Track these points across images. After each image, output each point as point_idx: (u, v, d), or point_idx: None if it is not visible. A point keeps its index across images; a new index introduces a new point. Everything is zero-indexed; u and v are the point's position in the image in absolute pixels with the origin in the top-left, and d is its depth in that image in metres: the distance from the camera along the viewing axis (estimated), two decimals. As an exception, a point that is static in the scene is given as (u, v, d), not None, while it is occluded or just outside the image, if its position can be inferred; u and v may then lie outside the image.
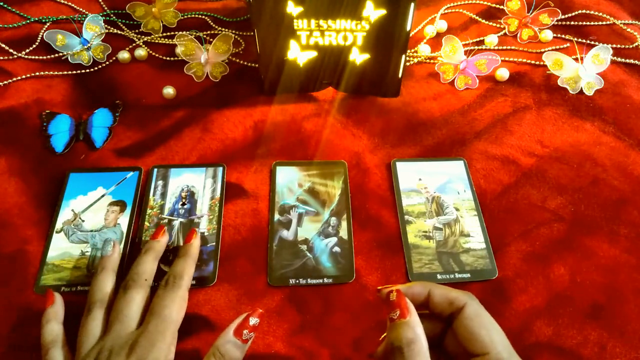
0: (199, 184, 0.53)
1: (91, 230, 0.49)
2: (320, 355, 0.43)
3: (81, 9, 0.70)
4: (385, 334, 0.36)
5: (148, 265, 0.43)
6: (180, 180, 0.53)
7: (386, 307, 0.34)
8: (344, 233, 0.49)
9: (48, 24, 0.68)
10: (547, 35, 0.68)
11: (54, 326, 0.40)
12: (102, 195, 0.52)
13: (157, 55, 0.65)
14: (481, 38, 0.69)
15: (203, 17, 0.70)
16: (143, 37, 0.67)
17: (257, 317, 0.38)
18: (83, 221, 0.50)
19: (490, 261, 0.48)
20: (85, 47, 0.64)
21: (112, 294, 0.42)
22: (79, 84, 0.62)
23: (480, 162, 0.56)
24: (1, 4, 0.69)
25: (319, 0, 0.50)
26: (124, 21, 0.69)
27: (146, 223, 0.50)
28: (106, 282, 0.42)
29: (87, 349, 0.38)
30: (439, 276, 0.47)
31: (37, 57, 0.64)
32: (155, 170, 0.54)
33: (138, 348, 0.37)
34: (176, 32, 0.64)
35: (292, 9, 0.51)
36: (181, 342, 0.43)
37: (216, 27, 0.69)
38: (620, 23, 0.70)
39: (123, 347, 0.37)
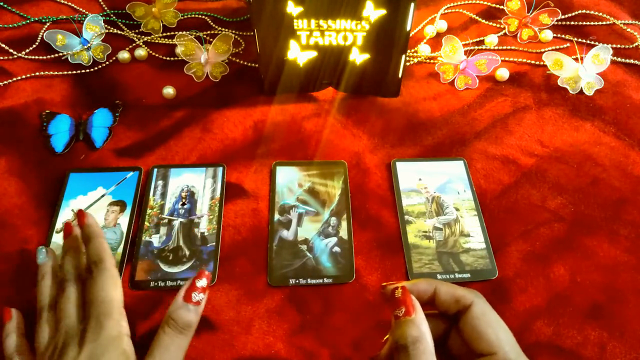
0: (199, 184, 0.53)
1: (91, 230, 0.49)
2: (320, 355, 0.43)
3: (81, 9, 0.70)
4: (387, 336, 0.36)
5: (73, 261, 0.43)
6: (180, 180, 0.53)
7: (390, 304, 0.33)
8: (344, 233, 0.49)
9: (48, 24, 0.68)
10: (547, 35, 0.68)
11: (13, 339, 0.41)
12: (102, 195, 0.52)
13: (157, 55, 0.65)
14: (481, 38, 0.69)
15: (203, 17, 0.70)
16: (143, 37, 0.67)
17: (204, 277, 0.38)
18: (83, 221, 0.50)
19: (490, 261, 0.48)
20: (85, 47, 0.64)
21: (54, 296, 0.42)
22: (79, 84, 0.62)
23: (480, 162, 0.56)
24: (1, 4, 0.69)
25: (319, 0, 0.50)
26: (124, 21, 0.69)
27: (146, 223, 0.50)
28: (47, 287, 0.42)
29: (42, 350, 0.39)
30: (439, 276, 0.47)
31: (37, 57, 0.64)
32: (155, 170, 0.54)
33: (88, 334, 0.37)
34: (176, 32, 0.64)
35: (292, 9, 0.51)
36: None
37: (216, 27, 0.69)
38: (620, 23, 0.70)
39: (73, 337, 0.37)
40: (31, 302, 0.45)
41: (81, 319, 0.39)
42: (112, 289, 0.40)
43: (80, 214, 0.44)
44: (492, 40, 0.68)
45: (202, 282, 0.38)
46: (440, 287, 0.35)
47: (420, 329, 0.31)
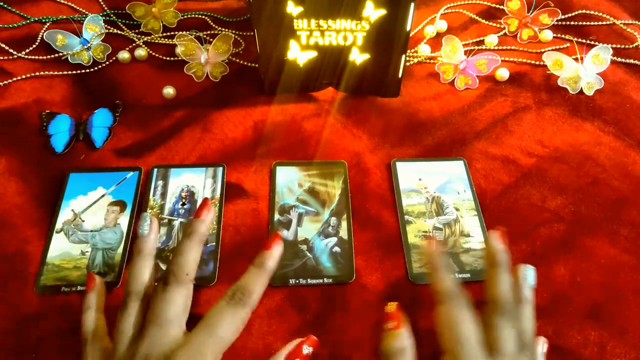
0: (199, 184, 0.53)
1: (91, 230, 0.49)
2: (320, 355, 0.43)
3: (81, 9, 0.70)
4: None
5: (191, 254, 0.37)
6: (180, 180, 0.53)
7: (384, 317, 0.37)
8: (344, 233, 0.49)
9: (48, 24, 0.68)
10: (547, 35, 0.68)
11: (92, 316, 0.38)
12: (102, 195, 0.52)
13: (157, 55, 0.65)
14: (481, 38, 0.69)
15: (203, 17, 0.70)
16: (143, 37, 0.67)
17: (310, 345, 0.37)
18: (83, 221, 0.50)
19: (490, 261, 0.48)
20: (85, 47, 0.64)
21: (150, 284, 0.37)
22: (79, 84, 0.62)
23: (480, 162, 0.56)
24: (1, 4, 0.69)
25: (319, 0, 0.50)
26: (124, 21, 0.69)
27: (146, 223, 0.50)
28: (143, 270, 0.37)
29: (122, 350, 0.34)
30: (439, 276, 0.47)
31: (37, 57, 0.64)
32: (155, 170, 0.54)
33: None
34: (176, 32, 0.64)
35: (292, 9, 0.51)
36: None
37: (216, 27, 0.69)
38: (620, 23, 0.70)
39: (158, 358, 0.33)
40: (31, 303, 0.45)
41: (175, 333, 0.35)
42: (234, 330, 0.35)
43: (275, 236, 0.38)
44: (492, 40, 0.68)
45: (308, 350, 0.37)
46: (434, 272, 0.38)
47: (404, 342, 0.35)
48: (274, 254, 0.37)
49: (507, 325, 0.35)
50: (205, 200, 0.40)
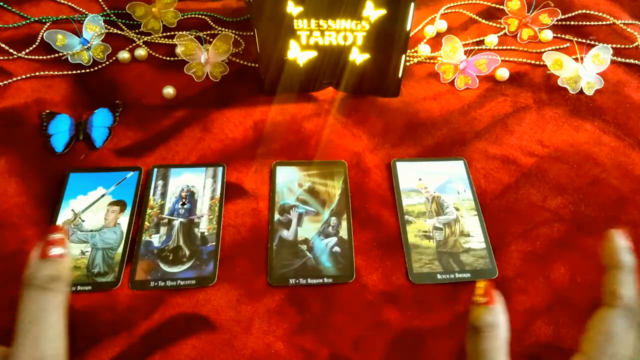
0: (199, 184, 0.53)
1: (91, 230, 0.49)
2: (320, 355, 0.43)
3: (81, 9, 0.70)
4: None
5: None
6: (180, 180, 0.53)
7: (474, 293, 0.34)
8: (344, 233, 0.49)
9: (48, 24, 0.68)
10: (547, 35, 0.68)
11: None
12: (102, 195, 0.52)
13: (157, 55, 0.65)
14: (481, 38, 0.69)
15: (203, 17, 0.70)
16: (143, 37, 0.67)
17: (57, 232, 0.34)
18: (83, 221, 0.50)
19: (491, 261, 0.48)
20: (85, 47, 0.64)
21: None
22: (79, 84, 0.62)
23: (480, 162, 0.56)
24: (1, 4, 0.69)
25: (319, 0, 0.50)
26: (124, 21, 0.69)
27: (146, 223, 0.50)
28: None
29: None
30: (439, 276, 0.47)
31: (37, 57, 0.64)
32: (155, 170, 0.54)
33: None
34: (176, 32, 0.64)
35: (292, 8, 0.51)
36: (181, 342, 0.43)
37: (216, 27, 0.69)
38: (620, 23, 0.70)
39: None
40: (31, 302, 0.45)
41: None
42: None
43: None
44: (492, 40, 0.68)
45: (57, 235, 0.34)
46: (615, 270, 0.34)
47: (497, 317, 0.32)
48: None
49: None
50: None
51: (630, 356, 0.31)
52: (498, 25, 0.71)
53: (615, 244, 0.35)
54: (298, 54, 0.56)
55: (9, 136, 0.56)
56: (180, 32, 0.63)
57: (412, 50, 0.67)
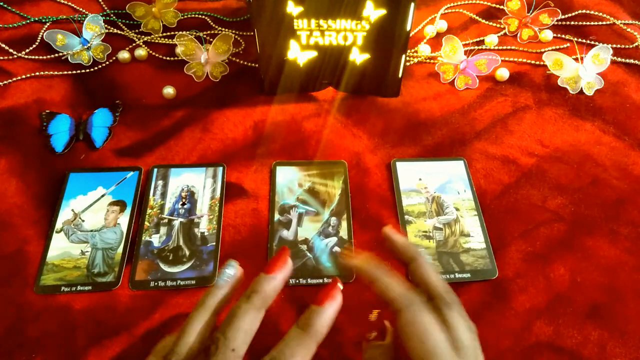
0: (199, 183, 0.53)
1: (91, 230, 0.49)
2: (320, 355, 0.43)
3: (81, 9, 0.70)
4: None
5: (245, 324, 0.30)
6: (180, 180, 0.53)
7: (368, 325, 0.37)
8: (344, 233, 0.49)
9: (48, 24, 0.68)
10: (547, 35, 0.68)
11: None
12: (102, 195, 0.52)
13: (157, 55, 0.65)
14: (481, 38, 0.69)
15: (203, 17, 0.70)
16: (143, 37, 0.67)
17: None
18: (83, 221, 0.50)
19: (490, 261, 0.48)
20: (85, 47, 0.64)
21: (197, 350, 0.29)
22: (79, 84, 0.62)
23: (480, 162, 0.56)
24: (1, 4, 0.69)
25: (319, 0, 0.50)
26: (124, 21, 0.69)
27: (146, 223, 0.50)
28: (197, 332, 0.30)
29: None
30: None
31: (37, 57, 0.64)
32: (155, 170, 0.54)
33: None
34: (176, 32, 0.64)
35: (292, 8, 0.51)
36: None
37: (216, 27, 0.69)
38: (620, 23, 0.70)
39: None
40: (31, 303, 0.45)
41: None
42: None
43: (333, 285, 0.32)
44: (492, 40, 0.68)
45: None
46: (376, 283, 0.34)
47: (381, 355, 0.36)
48: (328, 313, 0.31)
49: (458, 317, 0.32)
50: (283, 252, 0.33)
51: (444, 335, 0.31)
52: (498, 25, 0.71)
53: (354, 265, 0.36)
54: (298, 54, 0.56)
55: (9, 136, 0.56)
56: (180, 32, 0.63)
57: (412, 50, 0.67)
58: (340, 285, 0.32)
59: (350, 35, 0.53)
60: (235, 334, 0.29)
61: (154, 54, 0.65)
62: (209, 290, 0.31)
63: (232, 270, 0.32)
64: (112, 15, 0.69)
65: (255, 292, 0.30)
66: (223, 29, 0.69)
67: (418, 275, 0.35)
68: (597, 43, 0.66)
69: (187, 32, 0.64)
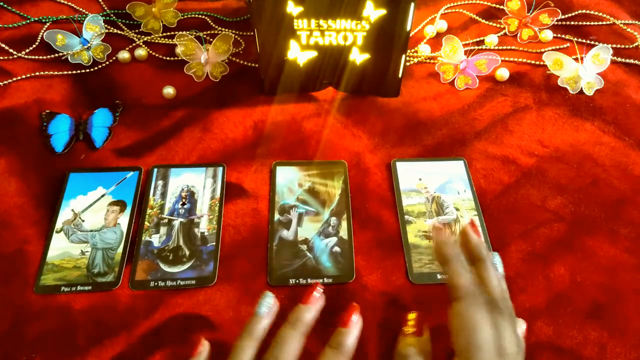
0: (199, 183, 0.53)
1: (91, 230, 0.49)
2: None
3: (81, 9, 0.70)
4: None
5: (291, 346, 0.34)
6: (180, 180, 0.53)
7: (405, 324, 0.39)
8: (344, 233, 0.49)
9: (48, 24, 0.68)
10: (547, 35, 0.68)
11: None
12: (102, 195, 0.52)
13: (157, 55, 0.65)
14: (481, 38, 0.69)
15: (203, 17, 0.70)
16: (143, 37, 0.67)
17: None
18: (83, 221, 0.50)
19: (490, 261, 0.48)
20: (85, 47, 0.64)
21: None
22: (79, 84, 0.62)
23: (480, 162, 0.56)
24: (1, 4, 0.69)
25: (318, 0, 0.50)
26: (124, 21, 0.69)
27: (146, 223, 0.50)
28: (246, 357, 0.34)
29: None
30: (439, 276, 0.47)
31: (37, 57, 0.64)
32: (155, 170, 0.54)
33: None
34: (176, 32, 0.64)
35: (292, 8, 0.51)
36: (182, 341, 0.43)
37: (216, 27, 0.69)
38: (620, 23, 0.70)
39: None
40: (31, 303, 0.45)
41: None
42: None
43: (352, 309, 0.37)
44: (492, 40, 0.68)
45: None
46: (449, 265, 0.36)
47: (419, 350, 0.36)
48: (352, 333, 0.35)
49: (508, 327, 0.34)
50: (314, 286, 0.37)
51: (493, 337, 0.33)
52: (498, 25, 0.71)
53: (437, 240, 0.38)
54: (298, 54, 0.56)
55: (9, 136, 0.56)
56: (180, 32, 0.63)
57: (412, 50, 0.67)
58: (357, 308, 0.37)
59: (350, 35, 0.53)
60: (285, 356, 0.33)
61: (154, 54, 0.65)
62: (253, 319, 0.35)
63: (272, 300, 0.36)
64: (112, 15, 0.69)
65: (299, 320, 0.35)
66: (223, 29, 0.69)
67: (480, 276, 0.37)
68: (597, 43, 0.66)
69: (187, 32, 0.64)
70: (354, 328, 0.35)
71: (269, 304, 0.36)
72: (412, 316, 0.39)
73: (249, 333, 0.35)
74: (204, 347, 0.36)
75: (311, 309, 0.36)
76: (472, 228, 0.40)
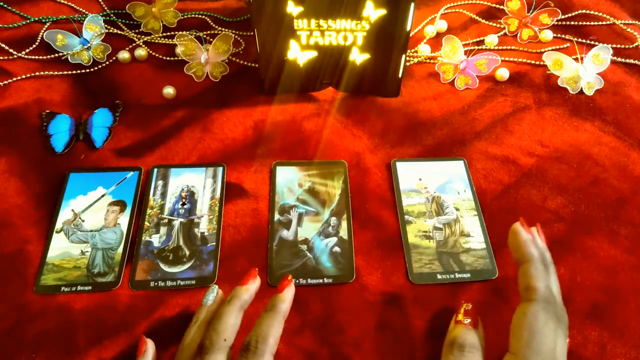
0: (199, 184, 0.53)
1: (91, 230, 0.49)
2: (320, 355, 0.43)
3: (81, 9, 0.70)
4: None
5: (230, 320, 0.37)
6: (180, 180, 0.53)
7: (457, 310, 0.39)
8: (344, 233, 0.49)
9: (48, 24, 0.68)
10: (547, 35, 0.68)
11: None
12: (102, 195, 0.52)
13: (157, 55, 0.65)
14: (481, 38, 0.69)
15: (203, 17, 0.70)
16: (143, 37, 0.67)
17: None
18: (83, 221, 0.50)
19: (490, 261, 0.48)
20: (85, 47, 0.64)
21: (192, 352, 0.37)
22: (79, 84, 0.62)
23: (480, 162, 0.56)
24: (1, 4, 0.69)
25: (318, 0, 0.50)
26: (124, 21, 0.69)
27: (146, 223, 0.50)
28: (195, 339, 0.37)
29: None
30: (439, 276, 0.47)
31: (37, 57, 0.64)
32: (155, 170, 0.54)
33: None
34: (176, 32, 0.64)
35: (292, 8, 0.51)
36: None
37: (216, 27, 0.69)
38: (620, 23, 0.70)
39: None
40: (31, 303, 0.45)
41: None
42: None
43: (286, 279, 0.39)
44: (492, 40, 0.68)
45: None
46: (528, 264, 0.36)
47: (481, 342, 0.36)
48: (286, 295, 0.38)
49: (564, 339, 0.34)
50: (252, 270, 0.41)
51: (552, 347, 0.33)
52: (498, 25, 0.71)
53: (520, 238, 0.37)
54: (298, 54, 0.56)
55: (9, 136, 0.56)
56: (180, 32, 0.63)
57: (412, 50, 0.67)
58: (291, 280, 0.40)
59: (350, 35, 0.53)
60: (224, 327, 0.36)
61: (154, 54, 0.65)
62: (200, 308, 0.39)
63: (214, 295, 0.40)
64: (112, 15, 0.69)
65: (235, 297, 0.38)
66: (223, 29, 0.69)
67: (527, 277, 0.36)
68: (597, 43, 0.66)
69: (187, 32, 0.64)
70: (287, 292, 0.39)
71: (213, 297, 0.40)
72: (467, 306, 0.38)
73: (195, 320, 0.38)
74: (149, 345, 0.39)
75: (249, 289, 0.39)
76: (522, 226, 0.39)
